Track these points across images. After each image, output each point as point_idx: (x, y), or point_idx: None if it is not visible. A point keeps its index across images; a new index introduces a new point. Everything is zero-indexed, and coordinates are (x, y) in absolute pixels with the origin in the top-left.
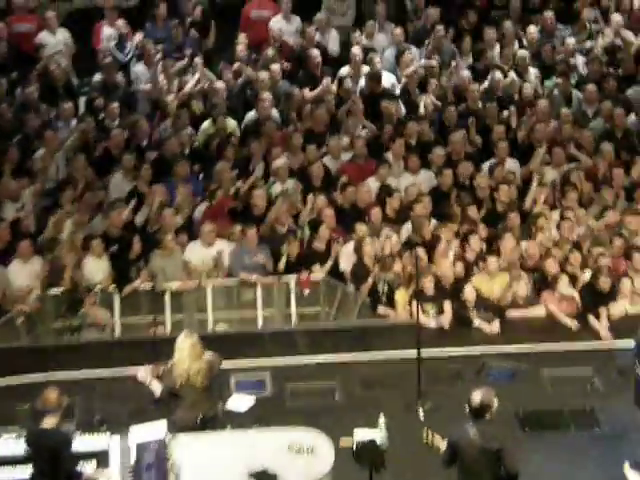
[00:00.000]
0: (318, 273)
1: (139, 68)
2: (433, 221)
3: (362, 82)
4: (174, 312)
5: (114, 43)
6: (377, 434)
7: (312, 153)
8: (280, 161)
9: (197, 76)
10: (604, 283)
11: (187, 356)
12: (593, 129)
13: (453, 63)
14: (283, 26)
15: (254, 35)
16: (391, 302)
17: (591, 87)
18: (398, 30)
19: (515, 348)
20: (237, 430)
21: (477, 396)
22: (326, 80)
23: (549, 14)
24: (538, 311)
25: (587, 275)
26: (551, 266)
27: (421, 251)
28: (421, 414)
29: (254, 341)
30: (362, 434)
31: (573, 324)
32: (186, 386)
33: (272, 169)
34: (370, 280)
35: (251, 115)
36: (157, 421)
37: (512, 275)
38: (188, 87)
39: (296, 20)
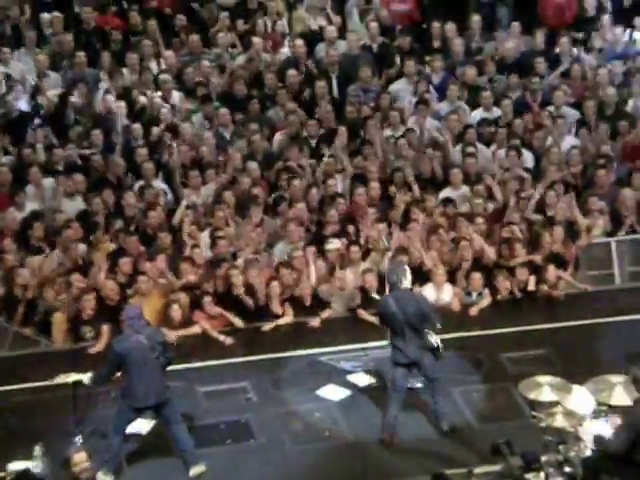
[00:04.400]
0: None
1: None
2: (83, 245)
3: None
4: None
5: None
6: (33, 464)
7: None
8: None
9: None
10: (248, 299)
11: None
12: (239, 150)
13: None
14: None
15: None
16: (49, 328)
17: (225, 110)
18: (41, 57)
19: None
20: None
21: None
22: None
23: (194, 37)
24: (194, 330)
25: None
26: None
27: (76, 276)
28: (79, 440)
29: None
30: (17, 465)
31: (226, 340)
32: None
33: None
34: (21, 309)
35: None
36: None
37: (169, 296)
38: None
39: None
